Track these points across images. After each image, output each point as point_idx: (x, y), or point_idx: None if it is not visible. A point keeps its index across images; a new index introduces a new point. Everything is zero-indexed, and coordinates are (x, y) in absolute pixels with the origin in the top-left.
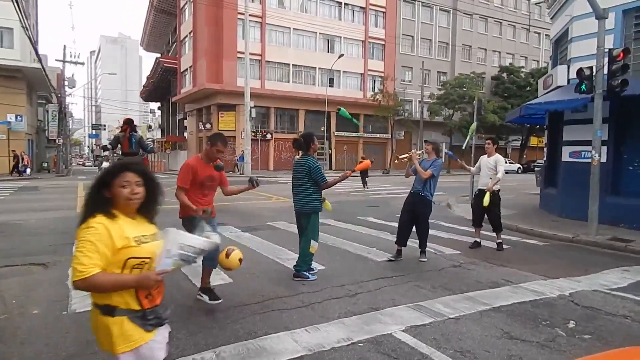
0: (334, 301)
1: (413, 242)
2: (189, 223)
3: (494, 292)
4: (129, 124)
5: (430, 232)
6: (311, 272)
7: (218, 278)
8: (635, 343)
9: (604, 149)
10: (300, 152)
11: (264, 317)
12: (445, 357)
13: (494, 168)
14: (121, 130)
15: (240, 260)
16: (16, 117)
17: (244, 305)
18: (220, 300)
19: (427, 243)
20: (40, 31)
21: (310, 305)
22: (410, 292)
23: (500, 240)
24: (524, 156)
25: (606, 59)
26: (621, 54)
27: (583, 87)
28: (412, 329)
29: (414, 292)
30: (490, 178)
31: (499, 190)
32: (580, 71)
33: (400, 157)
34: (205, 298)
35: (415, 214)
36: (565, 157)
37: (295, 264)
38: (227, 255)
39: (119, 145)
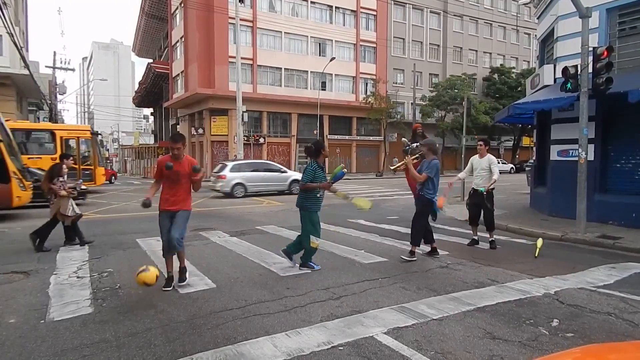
0: (317, 304)
1: (400, 244)
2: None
3: (479, 292)
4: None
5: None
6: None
7: (202, 283)
8: (618, 339)
9: (591, 147)
10: (310, 158)
11: (244, 322)
12: (426, 359)
13: (487, 168)
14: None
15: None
16: None
17: (225, 311)
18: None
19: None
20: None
21: (293, 309)
22: (394, 294)
23: (493, 239)
24: (517, 156)
25: (591, 58)
26: (605, 52)
27: (568, 85)
28: (394, 331)
29: (399, 293)
30: (483, 176)
31: (493, 189)
32: (565, 70)
33: (392, 167)
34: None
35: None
36: (554, 155)
37: (301, 256)
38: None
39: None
